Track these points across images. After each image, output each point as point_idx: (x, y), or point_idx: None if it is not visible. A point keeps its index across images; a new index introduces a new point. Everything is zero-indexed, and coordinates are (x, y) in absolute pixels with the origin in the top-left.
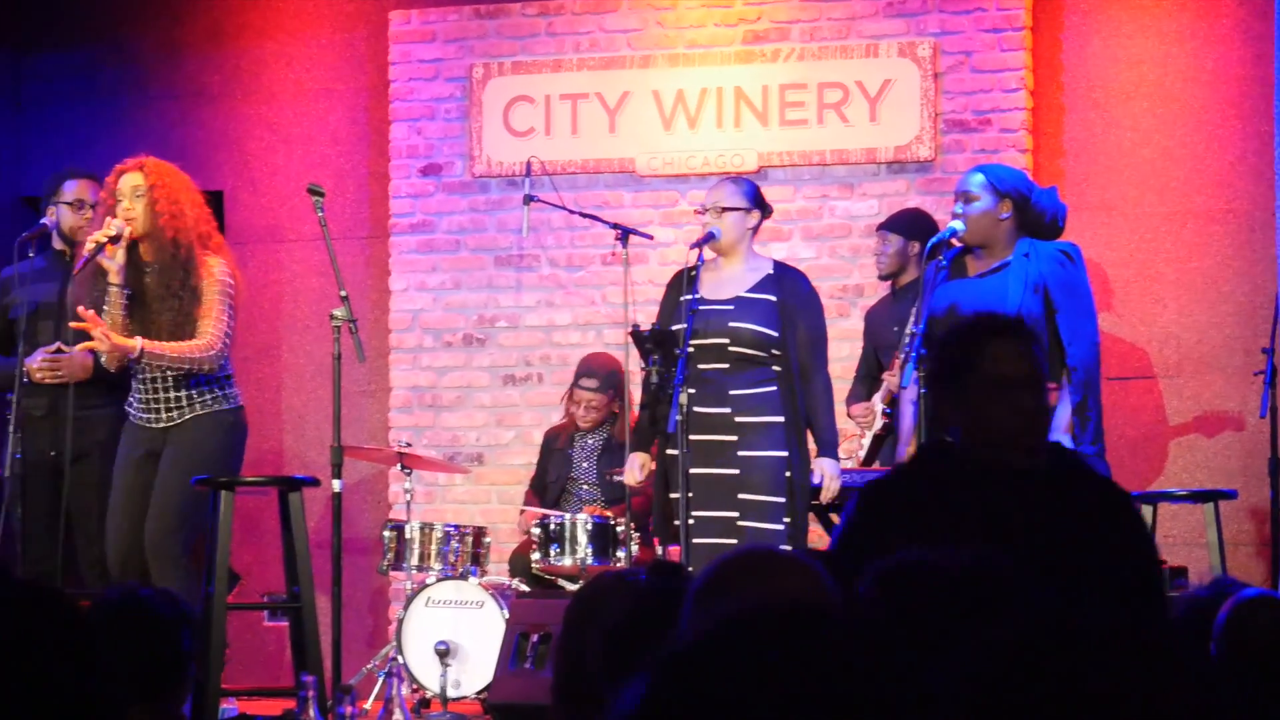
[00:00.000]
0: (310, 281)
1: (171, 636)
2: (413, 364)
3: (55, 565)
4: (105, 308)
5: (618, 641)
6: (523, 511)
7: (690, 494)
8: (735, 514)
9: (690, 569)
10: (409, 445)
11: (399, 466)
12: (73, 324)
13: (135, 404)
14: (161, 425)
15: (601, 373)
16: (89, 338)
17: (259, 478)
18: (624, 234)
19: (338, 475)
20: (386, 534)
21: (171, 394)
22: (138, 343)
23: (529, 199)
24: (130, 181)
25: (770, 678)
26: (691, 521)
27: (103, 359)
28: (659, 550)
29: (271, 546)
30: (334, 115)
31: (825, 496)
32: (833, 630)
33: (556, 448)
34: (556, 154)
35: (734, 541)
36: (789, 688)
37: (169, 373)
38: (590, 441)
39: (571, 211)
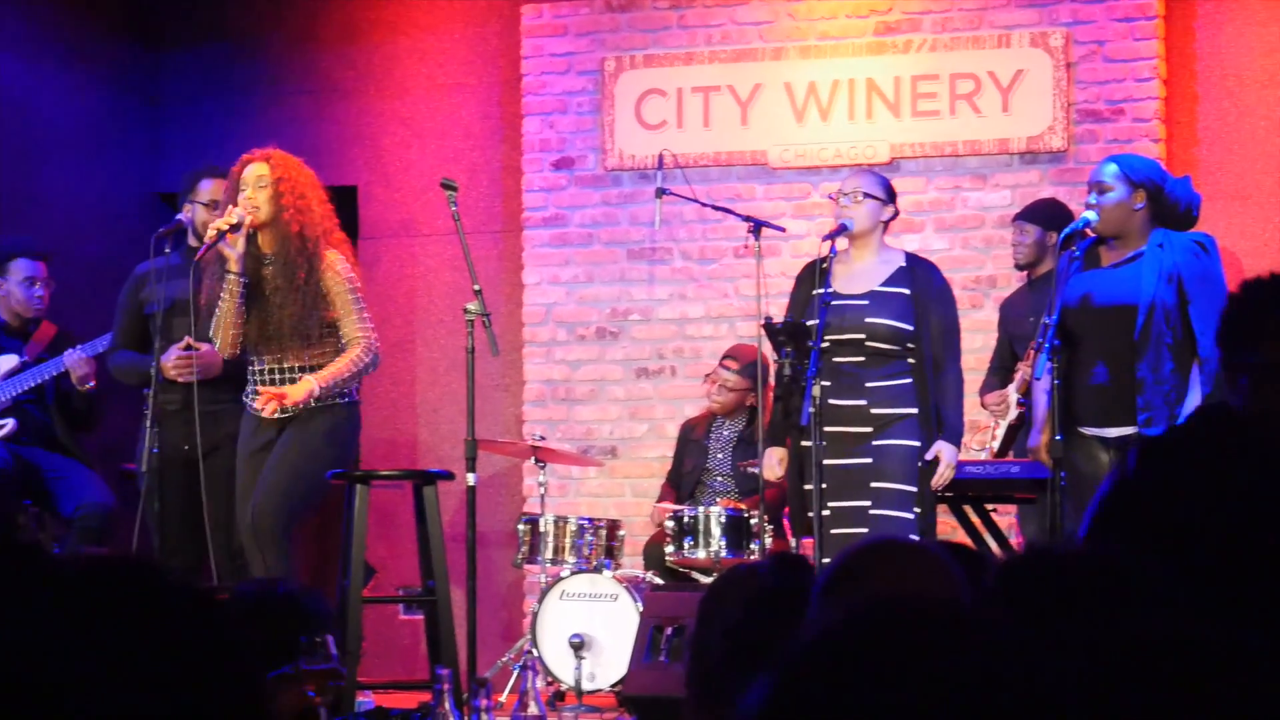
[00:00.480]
0: (444, 276)
1: (318, 630)
2: (546, 357)
3: (194, 558)
4: (222, 295)
5: (738, 636)
6: (657, 509)
7: (825, 485)
8: (868, 503)
9: (826, 561)
10: (543, 439)
11: (533, 460)
12: (256, 403)
13: (251, 395)
14: (278, 416)
15: (744, 359)
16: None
17: (394, 471)
18: (756, 226)
19: (472, 469)
20: (521, 527)
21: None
22: (313, 385)
23: (661, 192)
24: (255, 171)
25: (894, 677)
26: (827, 513)
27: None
28: (792, 543)
29: (407, 540)
30: (466, 110)
31: (937, 481)
32: (957, 627)
33: (693, 439)
34: (688, 146)
35: (865, 531)
36: (912, 687)
37: (287, 368)
38: (726, 433)
39: (703, 204)
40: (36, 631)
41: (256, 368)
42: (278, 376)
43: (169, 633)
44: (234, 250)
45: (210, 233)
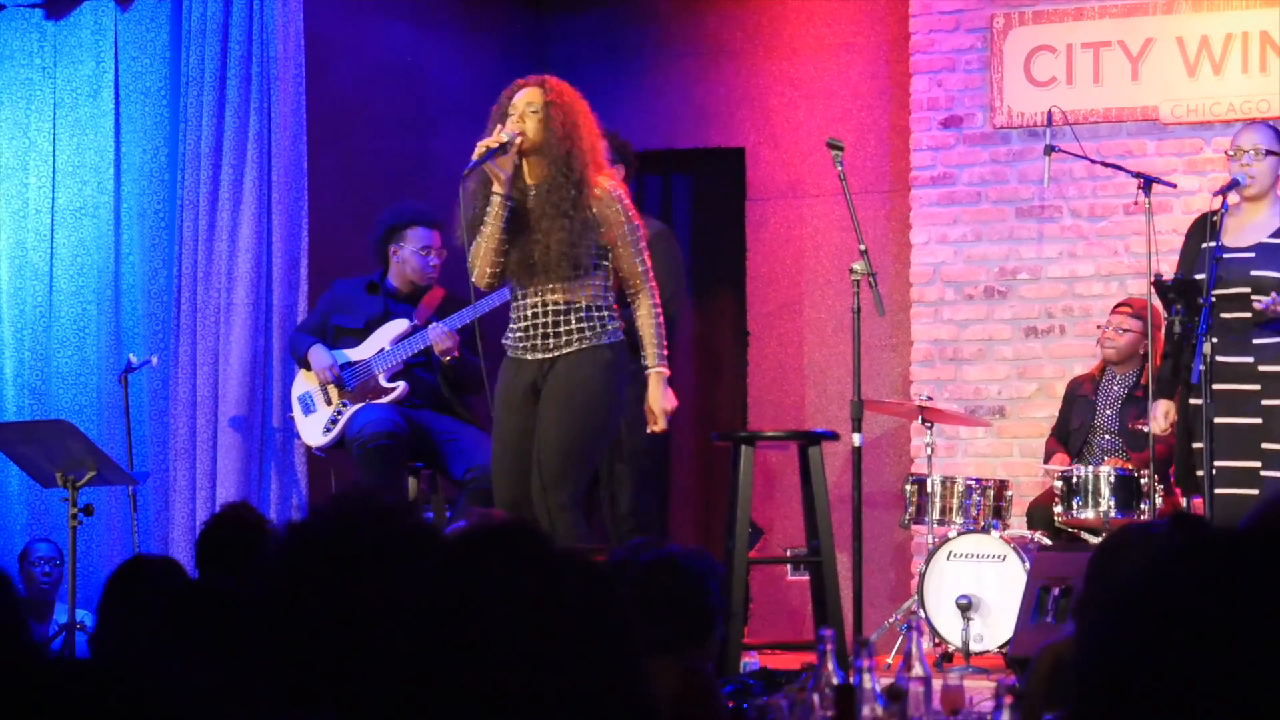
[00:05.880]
0: (831, 236)
1: (698, 590)
2: (934, 317)
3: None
4: (486, 219)
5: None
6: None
7: (1212, 444)
8: (1258, 464)
9: (1213, 519)
10: (930, 399)
11: (920, 420)
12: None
13: (512, 338)
14: (539, 358)
15: (1137, 307)
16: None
17: (778, 433)
18: (1146, 183)
19: (858, 429)
20: (908, 488)
21: (550, 328)
22: (662, 373)
23: (1050, 149)
24: (527, 97)
25: None
26: (1214, 472)
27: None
28: (1182, 502)
29: (794, 501)
30: (854, 69)
31: None
32: None
33: (1080, 394)
34: (1078, 103)
35: (1254, 492)
36: None
37: (552, 302)
38: (1115, 388)
39: (1093, 161)
40: (422, 596)
41: (520, 302)
42: (543, 313)
43: (555, 603)
44: (502, 171)
45: (478, 151)
